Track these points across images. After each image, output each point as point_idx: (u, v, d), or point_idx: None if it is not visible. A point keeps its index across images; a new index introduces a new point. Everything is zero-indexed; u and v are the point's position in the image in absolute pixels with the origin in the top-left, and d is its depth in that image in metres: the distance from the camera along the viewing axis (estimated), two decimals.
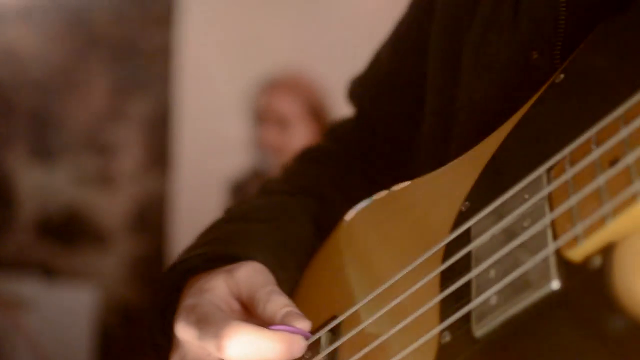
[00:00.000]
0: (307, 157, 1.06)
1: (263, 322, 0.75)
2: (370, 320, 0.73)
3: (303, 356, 0.77)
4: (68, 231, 4.07)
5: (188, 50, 3.96)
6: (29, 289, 3.82)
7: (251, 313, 0.78)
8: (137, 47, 4.03)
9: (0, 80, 4.06)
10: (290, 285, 0.87)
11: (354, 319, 0.76)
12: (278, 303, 0.75)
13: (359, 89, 1.05)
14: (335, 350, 0.76)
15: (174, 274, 0.84)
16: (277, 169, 1.37)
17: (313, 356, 0.76)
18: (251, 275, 0.79)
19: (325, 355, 0.76)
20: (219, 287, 0.78)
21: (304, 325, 0.74)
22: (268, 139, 3.15)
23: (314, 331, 0.78)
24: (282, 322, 0.74)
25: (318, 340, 0.77)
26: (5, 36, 4.05)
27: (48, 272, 4.01)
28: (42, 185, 4.06)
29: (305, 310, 0.77)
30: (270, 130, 3.14)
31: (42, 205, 4.07)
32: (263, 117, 3.19)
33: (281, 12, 3.87)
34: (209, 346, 0.72)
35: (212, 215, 0.98)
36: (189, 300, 0.77)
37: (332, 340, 0.77)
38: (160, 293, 0.85)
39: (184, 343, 0.76)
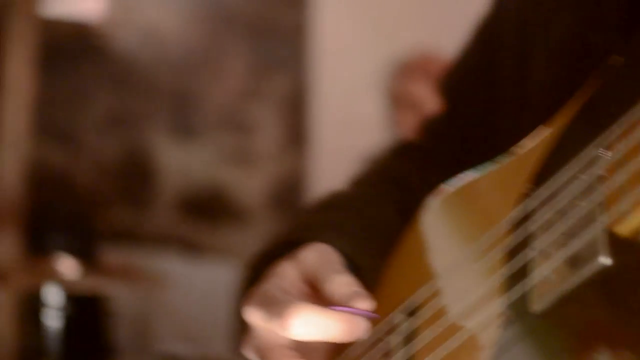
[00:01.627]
0: (399, 152, 1.08)
1: (327, 302, 0.77)
2: (441, 303, 0.76)
3: (380, 338, 0.80)
4: (208, 208, 4.16)
5: (323, 29, 3.98)
6: (171, 265, 3.92)
7: (318, 295, 0.80)
8: (273, 26, 4.07)
9: (142, 61, 4.17)
10: (375, 271, 0.88)
11: (432, 301, 0.78)
12: (339, 282, 0.77)
13: (448, 84, 1.07)
14: (413, 333, 0.78)
15: (256, 262, 0.88)
16: None
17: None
18: (314, 256, 0.81)
19: (403, 337, 0.78)
20: (286, 271, 0.80)
21: (365, 305, 0.74)
22: (404, 122, 3.14)
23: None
24: (344, 303, 0.75)
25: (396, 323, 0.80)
26: (146, 18, 4.16)
27: (189, 248, 4.10)
28: (182, 163, 4.16)
29: (390, 295, 0.80)
30: (406, 114, 3.14)
31: (182, 183, 4.17)
32: (398, 101, 3.19)
33: None
34: (275, 326, 0.74)
35: None
36: (259, 286, 0.80)
37: (408, 322, 0.79)
38: (245, 282, 0.88)
39: (254, 327, 0.78)
